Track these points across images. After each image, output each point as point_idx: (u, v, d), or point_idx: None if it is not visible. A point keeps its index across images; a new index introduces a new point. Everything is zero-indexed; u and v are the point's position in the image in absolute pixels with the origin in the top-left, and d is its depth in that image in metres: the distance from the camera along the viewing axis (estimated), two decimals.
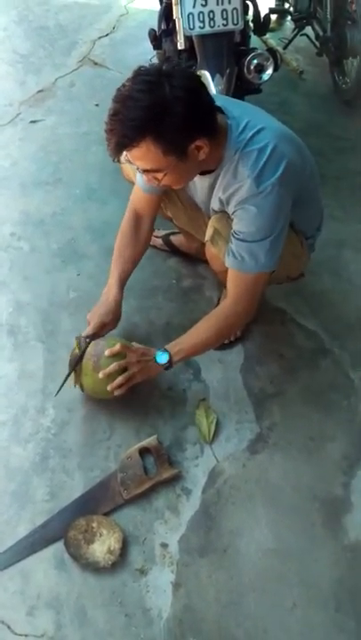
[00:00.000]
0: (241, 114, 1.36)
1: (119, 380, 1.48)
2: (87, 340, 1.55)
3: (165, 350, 1.49)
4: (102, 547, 1.35)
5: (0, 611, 1.27)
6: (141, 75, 1.21)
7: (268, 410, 1.65)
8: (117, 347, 1.49)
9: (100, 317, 1.60)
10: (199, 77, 1.29)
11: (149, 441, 1.53)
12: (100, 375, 1.48)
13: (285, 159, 1.32)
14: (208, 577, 1.34)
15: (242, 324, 1.54)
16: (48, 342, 1.78)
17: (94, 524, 1.38)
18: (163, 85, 1.18)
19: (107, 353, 1.49)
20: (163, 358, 1.49)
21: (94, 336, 1.56)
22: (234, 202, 1.37)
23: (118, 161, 1.28)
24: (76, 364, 1.53)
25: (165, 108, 1.18)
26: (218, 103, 1.35)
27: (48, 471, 1.49)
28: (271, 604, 1.31)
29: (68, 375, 1.56)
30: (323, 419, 1.64)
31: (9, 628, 1.25)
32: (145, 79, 1.20)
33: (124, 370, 1.49)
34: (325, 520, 1.44)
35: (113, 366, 1.47)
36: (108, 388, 1.49)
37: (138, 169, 1.33)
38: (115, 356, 1.49)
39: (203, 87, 1.29)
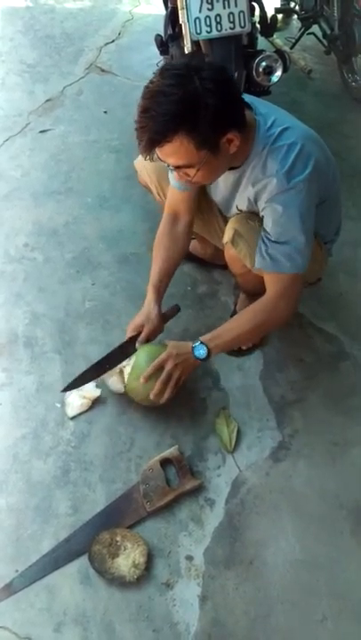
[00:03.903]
0: (268, 112, 1.36)
1: (158, 387, 1.48)
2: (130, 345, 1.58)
3: (203, 343, 1.46)
4: (127, 560, 1.34)
5: (27, 628, 1.26)
6: (170, 70, 1.19)
7: (289, 416, 1.63)
8: (149, 369, 1.48)
9: (134, 319, 1.61)
10: (227, 70, 1.27)
11: (170, 451, 1.52)
12: (152, 397, 1.49)
13: (313, 158, 1.31)
14: (235, 589, 1.32)
15: (282, 322, 1.51)
16: (65, 353, 1.77)
17: (118, 538, 1.37)
18: (192, 79, 1.16)
19: (142, 380, 1.49)
20: (202, 353, 1.46)
21: (132, 339, 1.58)
22: (263, 197, 1.35)
23: (151, 159, 1.26)
24: (107, 364, 1.59)
25: (197, 101, 1.16)
26: (245, 100, 1.35)
27: (70, 485, 1.48)
28: (301, 616, 1.29)
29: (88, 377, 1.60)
30: (346, 423, 1.61)
31: None
32: (174, 73, 1.18)
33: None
34: (354, 528, 1.41)
35: (158, 385, 1.48)
36: (151, 396, 1.49)
37: (169, 166, 1.31)
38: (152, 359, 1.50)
39: (231, 79, 1.28)
